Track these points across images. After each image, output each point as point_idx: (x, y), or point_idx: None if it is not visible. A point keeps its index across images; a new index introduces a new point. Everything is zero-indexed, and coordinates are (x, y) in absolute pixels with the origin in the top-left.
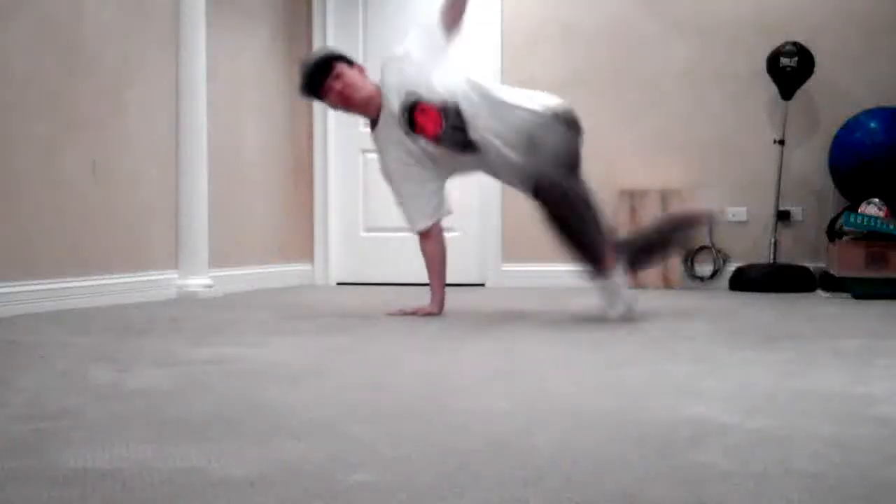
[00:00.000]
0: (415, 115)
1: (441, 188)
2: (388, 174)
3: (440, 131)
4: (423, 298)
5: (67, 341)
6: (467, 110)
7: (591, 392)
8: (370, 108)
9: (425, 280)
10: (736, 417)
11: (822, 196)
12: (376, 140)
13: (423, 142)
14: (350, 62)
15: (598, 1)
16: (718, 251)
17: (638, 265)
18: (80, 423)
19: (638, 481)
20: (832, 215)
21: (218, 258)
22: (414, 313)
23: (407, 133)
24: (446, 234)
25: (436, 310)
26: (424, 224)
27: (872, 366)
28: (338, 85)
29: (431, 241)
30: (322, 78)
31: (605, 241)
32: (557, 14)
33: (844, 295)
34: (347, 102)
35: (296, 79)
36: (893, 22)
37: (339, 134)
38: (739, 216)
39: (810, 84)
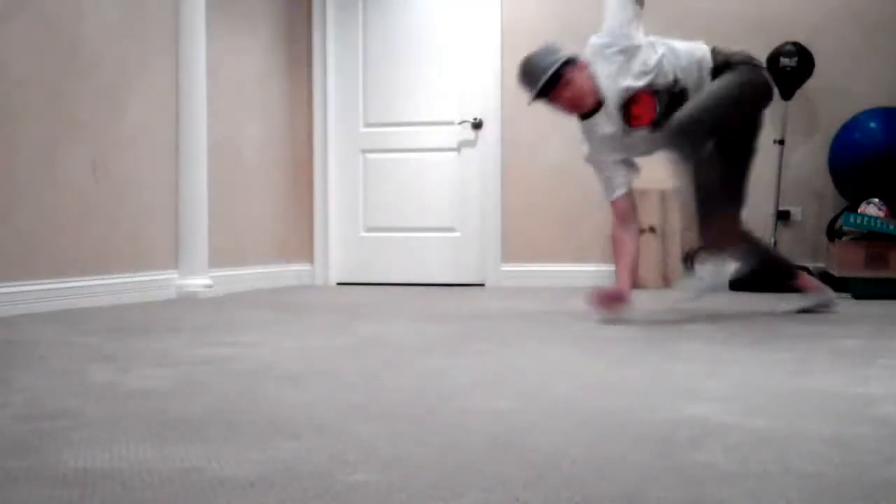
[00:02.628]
0: (630, 108)
1: (632, 161)
2: (593, 159)
3: (656, 116)
4: (423, 298)
5: (67, 341)
6: (681, 80)
7: (591, 392)
8: (590, 107)
9: (425, 280)
10: (736, 417)
11: (822, 196)
12: (586, 129)
13: (639, 131)
14: (574, 61)
15: (598, 1)
16: None
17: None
18: (80, 423)
19: (638, 481)
20: (832, 215)
21: (218, 258)
22: (611, 296)
23: (624, 128)
24: (450, 234)
25: (625, 293)
26: (621, 191)
27: (872, 366)
28: (567, 93)
29: (623, 225)
30: (552, 86)
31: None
32: (557, 13)
33: (844, 295)
34: (575, 109)
35: (295, 79)
36: (893, 22)
37: (339, 134)
38: None
39: (810, 84)
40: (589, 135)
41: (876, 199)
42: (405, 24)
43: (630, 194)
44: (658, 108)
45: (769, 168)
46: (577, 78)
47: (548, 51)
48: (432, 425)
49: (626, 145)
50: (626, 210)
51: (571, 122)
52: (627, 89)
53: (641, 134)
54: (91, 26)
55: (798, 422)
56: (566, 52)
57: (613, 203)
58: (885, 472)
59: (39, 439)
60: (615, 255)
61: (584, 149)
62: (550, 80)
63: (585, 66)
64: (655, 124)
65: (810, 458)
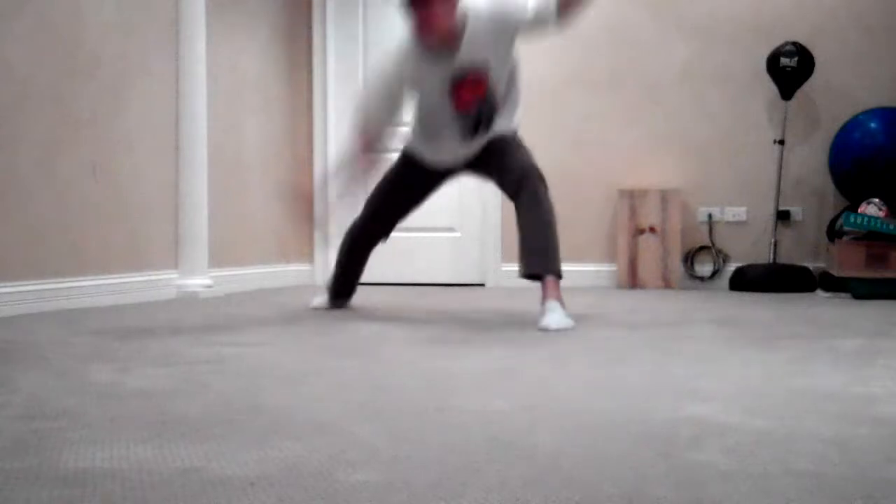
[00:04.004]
0: (464, 81)
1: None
2: (383, 69)
3: (471, 106)
4: (424, 298)
5: (67, 341)
6: (501, 98)
7: (591, 392)
8: (440, 40)
9: (425, 280)
10: (736, 417)
11: (822, 196)
12: (418, 61)
13: (450, 107)
14: None
15: (598, 1)
16: (718, 251)
17: None
18: (80, 423)
19: (638, 481)
20: (832, 215)
21: (218, 258)
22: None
23: (443, 93)
24: (450, 234)
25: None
26: (382, 125)
27: (872, 366)
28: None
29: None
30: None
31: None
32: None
33: (844, 295)
34: (428, 32)
35: (295, 79)
36: (893, 22)
37: (340, 134)
38: (739, 216)
39: (810, 84)
40: (413, 63)
41: (876, 199)
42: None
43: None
44: (480, 108)
45: (769, 168)
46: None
47: None
48: (432, 425)
49: (435, 114)
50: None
51: (572, 122)
52: (477, 62)
53: (450, 119)
54: (91, 26)
55: (798, 422)
56: None
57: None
58: (885, 472)
59: (39, 439)
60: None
61: (390, 65)
62: None
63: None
64: (465, 114)
65: (810, 458)
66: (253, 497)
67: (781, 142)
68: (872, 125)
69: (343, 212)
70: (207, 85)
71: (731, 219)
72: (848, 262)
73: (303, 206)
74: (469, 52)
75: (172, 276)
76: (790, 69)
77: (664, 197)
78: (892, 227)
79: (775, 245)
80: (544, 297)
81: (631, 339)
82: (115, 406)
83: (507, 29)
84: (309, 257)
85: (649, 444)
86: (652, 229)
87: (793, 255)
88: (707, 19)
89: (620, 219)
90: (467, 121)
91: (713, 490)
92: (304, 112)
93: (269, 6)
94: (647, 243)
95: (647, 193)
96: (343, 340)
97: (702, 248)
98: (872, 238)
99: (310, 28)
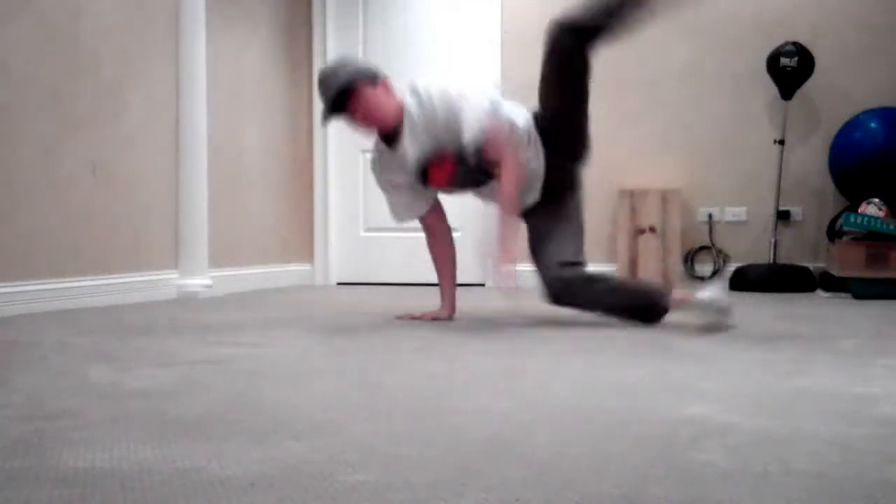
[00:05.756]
0: (430, 168)
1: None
2: (380, 180)
3: (450, 182)
4: (423, 299)
5: (67, 341)
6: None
7: (591, 392)
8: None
9: (425, 280)
10: (736, 417)
11: (822, 196)
12: (383, 150)
13: (431, 189)
14: (373, 77)
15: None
16: (718, 251)
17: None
18: (80, 423)
19: (638, 481)
20: (832, 215)
21: (218, 258)
22: (422, 317)
23: (417, 181)
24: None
25: (445, 314)
26: (413, 217)
27: (872, 366)
28: (361, 109)
29: (435, 238)
30: (343, 103)
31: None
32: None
33: (844, 295)
34: (372, 126)
35: (295, 78)
36: (893, 22)
37: (339, 134)
38: (739, 216)
39: (810, 84)
40: (384, 157)
41: (876, 199)
42: (405, 24)
43: (439, 226)
44: (457, 174)
45: (769, 168)
46: (371, 94)
47: (340, 67)
48: (432, 425)
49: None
50: (434, 225)
51: None
52: (435, 148)
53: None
54: (91, 26)
55: (798, 422)
56: (363, 65)
57: (420, 219)
58: (885, 472)
59: (39, 439)
60: (436, 270)
61: (376, 171)
62: (341, 94)
63: (387, 85)
64: (449, 188)
65: (810, 458)
66: (253, 497)
67: (781, 142)
68: (872, 125)
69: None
70: (207, 85)
71: (731, 219)
72: (848, 262)
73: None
74: (414, 140)
75: (172, 276)
76: (790, 69)
77: (664, 197)
78: (892, 227)
79: (775, 245)
80: (686, 299)
81: (631, 338)
82: (115, 406)
83: (436, 126)
84: (309, 257)
85: (649, 444)
86: (652, 229)
87: (793, 255)
88: (707, 19)
89: (620, 219)
90: (462, 186)
91: (713, 490)
92: (304, 112)
93: (270, 6)
94: (647, 243)
95: (647, 193)
96: (343, 340)
97: (702, 248)
98: (872, 238)
99: (310, 28)
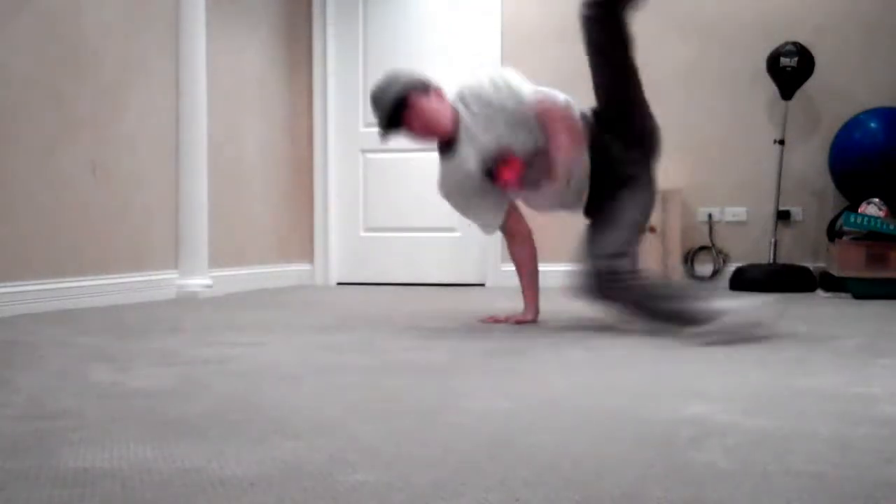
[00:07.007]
0: (498, 168)
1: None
2: (448, 194)
3: (521, 180)
4: (423, 298)
5: (67, 341)
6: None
7: (591, 392)
8: (447, 135)
9: (425, 280)
10: (736, 417)
11: (822, 196)
12: (444, 160)
13: (503, 191)
14: (425, 87)
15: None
16: (718, 251)
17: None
18: (80, 423)
19: (638, 481)
20: (832, 215)
21: (218, 258)
22: (506, 321)
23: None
24: (450, 234)
25: (530, 317)
26: (497, 224)
27: (872, 366)
28: (417, 121)
29: (515, 241)
30: (399, 117)
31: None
32: (557, 13)
33: (844, 295)
34: (431, 136)
35: (295, 78)
36: (893, 22)
37: (339, 134)
38: (739, 216)
39: (810, 84)
40: (445, 163)
41: (876, 199)
42: (405, 24)
43: (521, 232)
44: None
45: (769, 168)
46: (425, 103)
47: (395, 80)
48: (432, 425)
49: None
50: (513, 228)
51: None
52: (500, 147)
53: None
54: (91, 26)
55: (798, 422)
56: (412, 76)
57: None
58: (885, 472)
59: (39, 439)
60: (518, 274)
61: (443, 191)
62: (396, 107)
63: (440, 94)
64: (520, 187)
65: (810, 458)
66: (253, 497)
67: (781, 142)
68: (872, 125)
69: None
70: (207, 85)
71: (731, 219)
72: (848, 262)
73: None
74: (473, 141)
75: (172, 276)
76: (790, 69)
77: (664, 197)
78: (892, 227)
79: (775, 245)
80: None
81: (630, 339)
82: (115, 406)
83: (495, 114)
84: (309, 257)
85: (649, 444)
86: (652, 229)
87: (793, 255)
88: (707, 19)
89: None
90: (535, 185)
91: (713, 490)
92: (304, 112)
93: (269, 6)
94: (647, 243)
95: None
96: (343, 340)
97: (702, 248)
98: (872, 238)
99: (310, 28)
